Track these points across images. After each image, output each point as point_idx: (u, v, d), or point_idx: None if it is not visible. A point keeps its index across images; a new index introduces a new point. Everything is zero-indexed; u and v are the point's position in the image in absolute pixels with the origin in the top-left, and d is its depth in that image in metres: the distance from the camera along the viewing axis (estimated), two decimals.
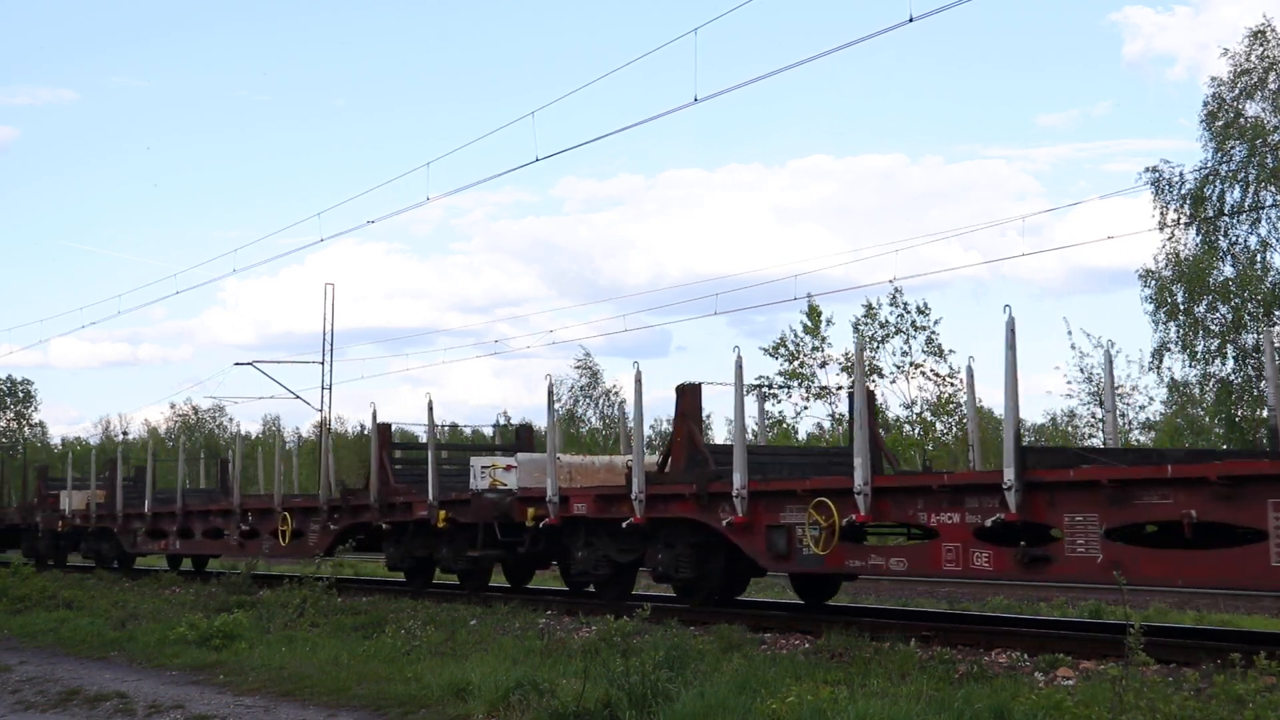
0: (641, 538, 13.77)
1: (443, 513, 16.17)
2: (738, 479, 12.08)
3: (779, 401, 39.42)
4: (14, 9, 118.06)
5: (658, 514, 13.31)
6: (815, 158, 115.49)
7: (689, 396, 13.56)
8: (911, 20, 12.29)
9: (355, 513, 18.36)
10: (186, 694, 9.89)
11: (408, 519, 17.21)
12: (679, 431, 13.54)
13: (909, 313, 37.50)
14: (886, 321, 37.66)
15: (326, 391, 44.39)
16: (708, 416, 58.75)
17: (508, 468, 15.75)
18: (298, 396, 44.62)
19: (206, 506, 23.01)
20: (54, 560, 29.19)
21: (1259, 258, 33.01)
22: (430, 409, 16.84)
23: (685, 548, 13.37)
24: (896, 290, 37.09)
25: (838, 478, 11.79)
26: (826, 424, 39.79)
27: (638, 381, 13.74)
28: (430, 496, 16.37)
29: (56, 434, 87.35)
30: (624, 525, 13.44)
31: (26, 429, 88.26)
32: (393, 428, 20.25)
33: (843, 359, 38.17)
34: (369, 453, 24.13)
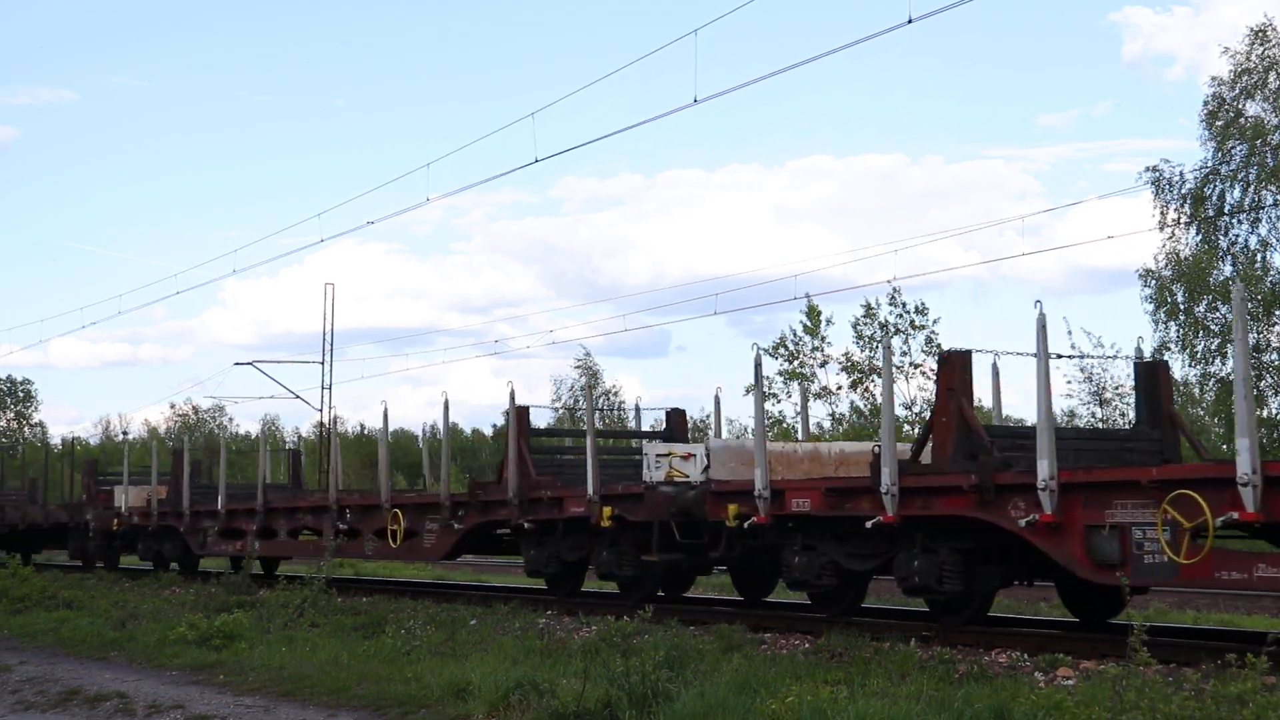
0: (886, 540, 11.34)
1: (607, 509, 13.75)
2: (1044, 468, 9.78)
3: (779, 401, 39.47)
4: (14, 9, 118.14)
5: (915, 511, 10.90)
6: (815, 158, 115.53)
7: (957, 368, 11.06)
8: (911, 21, 12.30)
9: (485, 510, 15.90)
10: (186, 694, 9.89)
11: (556, 517, 14.78)
12: (944, 410, 11.01)
13: (908, 313, 37.54)
14: (886, 322, 37.70)
15: (326, 391, 44.34)
16: (706, 416, 58.80)
17: (686, 456, 13.69)
18: (298, 396, 44.52)
19: (294, 503, 20.50)
20: (105, 562, 26.64)
21: (1259, 258, 33.03)
22: (590, 388, 15.19)
23: (951, 553, 10.91)
24: (895, 290, 37.13)
25: (1206, 464, 9.74)
26: (827, 424, 39.80)
27: (887, 348, 12.38)
28: (590, 490, 13.95)
29: (56, 434, 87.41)
30: (868, 525, 11.04)
31: (26, 429, 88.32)
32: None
33: (842, 359, 38.21)
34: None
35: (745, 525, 12.22)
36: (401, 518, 17.20)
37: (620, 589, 15.18)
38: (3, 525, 29.49)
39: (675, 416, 17.56)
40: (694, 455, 13.65)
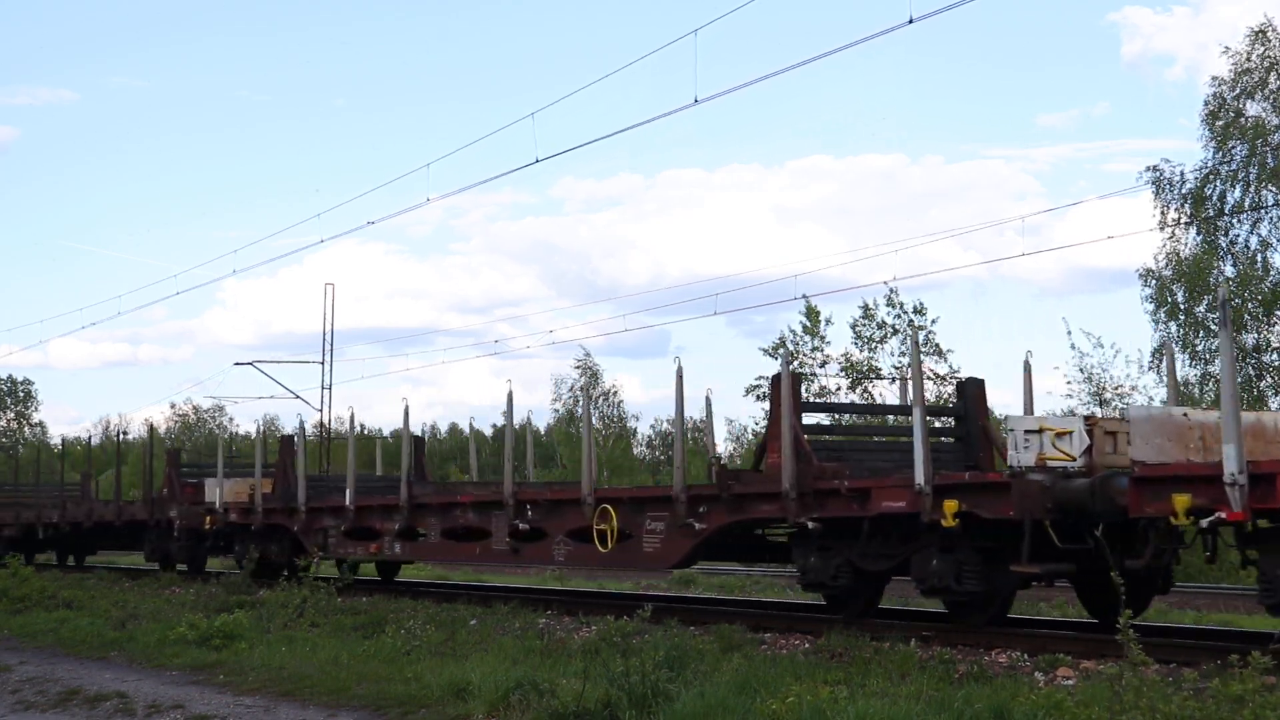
0: None
1: (951, 504, 10.59)
2: None
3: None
4: (14, 9, 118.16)
5: None
6: (815, 158, 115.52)
7: None
8: (911, 21, 12.30)
9: (739, 506, 12.66)
10: (186, 694, 9.90)
11: (858, 514, 11.58)
12: None
13: (905, 313, 37.57)
14: (884, 322, 37.74)
15: (326, 391, 44.33)
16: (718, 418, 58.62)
17: (1062, 433, 10.88)
18: (298, 396, 44.51)
19: (450, 497, 17.40)
20: (190, 565, 23.62)
21: (1259, 258, 33.06)
22: (915, 343, 12.09)
23: None
24: (892, 291, 37.15)
25: None
26: (826, 423, 39.82)
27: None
28: (919, 479, 10.82)
29: (56, 434, 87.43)
30: None
31: (26, 429, 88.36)
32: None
33: (841, 359, 38.23)
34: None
35: (1204, 524, 9.22)
36: (614, 515, 14.01)
37: (950, 608, 12.08)
38: (63, 523, 27.14)
39: (972, 388, 13.75)
40: (1072, 432, 10.90)
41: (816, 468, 11.94)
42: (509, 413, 16.19)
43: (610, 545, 14.03)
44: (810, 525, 11.82)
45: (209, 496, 21.87)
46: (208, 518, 21.63)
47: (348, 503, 18.41)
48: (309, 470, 21.08)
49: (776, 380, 12.46)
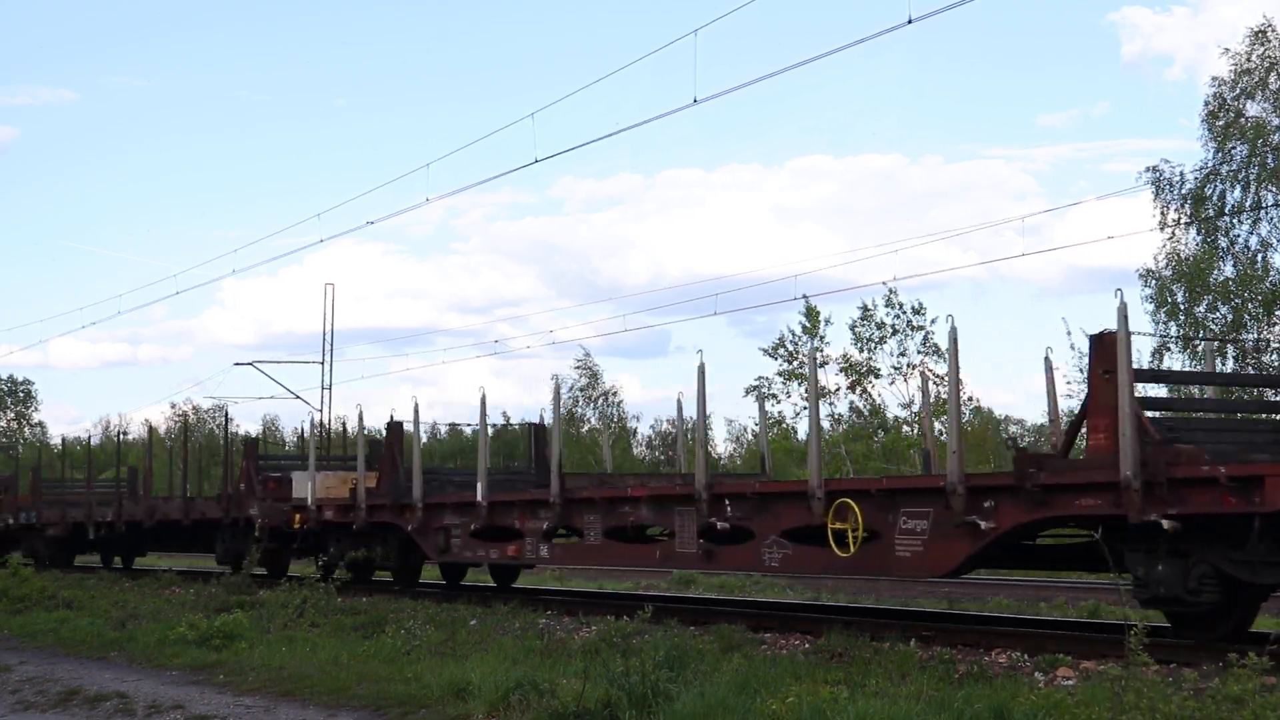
0: None
1: None
2: None
3: (778, 402, 39.53)
4: (14, 9, 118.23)
5: None
6: (815, 158, 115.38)
7: None
8: (911, 21, 12.32)
9: (1047, 499, 9.98)
10: (186, 694, 9.90)
11: (1241, 510, 8.91)
12: None
13: (904, 314, 37.65)
14: (883, 323, 37.81)
15: (326, 391, 44.34)
16: (711, 414, 58.63)
17: None
18: (298, 396, 44.55)
19: (618, 492, 14.46)
20: (270, 569, 20.45)
21: (1259, 258, 33.09)
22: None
23: None
24: (891, 291, 37.22)
25: None
26: (826, 424, 39.84)
27: None
28: None
29: (56, 434, 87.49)
30: None
31: (27, 429, 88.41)
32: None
33: (841, 359, 38.27)
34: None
35: None
36: (858, 511, 11.38)
37: None
38: (119, 522, 24.95)
39: None
40: None
41: (1170, 451, 9.34)
42: (700, 397, 13.47)
43: (854, 547, 11.42)
44: (1165, 524, 9.30)
45: (297, 492, 19.60)
46: (297, 516, 19.25)
47: (479, 498, 15.89)
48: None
49: (1104, 342, 9.65)
